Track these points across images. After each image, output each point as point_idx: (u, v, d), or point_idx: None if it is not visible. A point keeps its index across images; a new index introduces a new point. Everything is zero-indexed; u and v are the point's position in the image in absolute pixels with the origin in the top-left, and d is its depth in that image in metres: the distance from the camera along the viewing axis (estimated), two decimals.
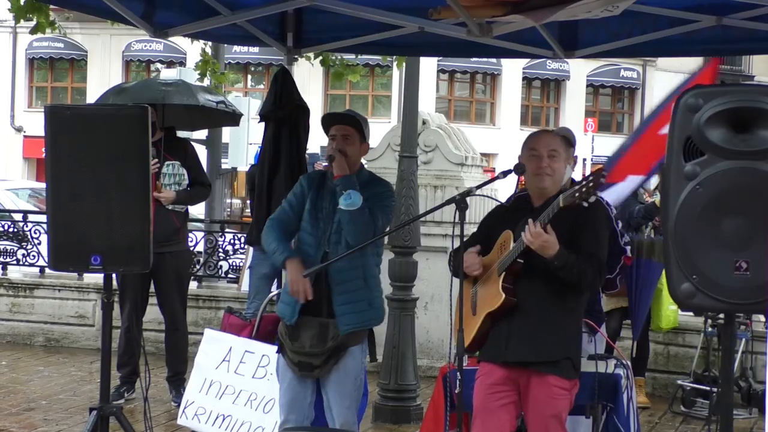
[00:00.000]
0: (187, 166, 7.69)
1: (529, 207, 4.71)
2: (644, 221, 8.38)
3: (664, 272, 7.96)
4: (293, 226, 5.12)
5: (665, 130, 7.48)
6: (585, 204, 4.30)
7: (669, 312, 8.23)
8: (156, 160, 7.07)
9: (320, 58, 9.67)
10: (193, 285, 10.07)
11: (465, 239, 4.57)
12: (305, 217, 5.08)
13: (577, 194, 4.27)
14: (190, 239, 10.04)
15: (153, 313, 8.20)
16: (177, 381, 7.75)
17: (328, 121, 5.15)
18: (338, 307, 4.97)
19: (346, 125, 5.10)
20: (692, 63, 36.37)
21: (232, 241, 10.28)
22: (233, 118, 8.86)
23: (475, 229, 4.98)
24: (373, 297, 5.11)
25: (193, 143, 8.36)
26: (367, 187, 5.05)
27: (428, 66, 29.93)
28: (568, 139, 5.81)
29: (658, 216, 8.25)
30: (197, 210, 12.72)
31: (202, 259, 10.32)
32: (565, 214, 4.40)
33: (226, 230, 10.59)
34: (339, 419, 5.09)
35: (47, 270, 10.04)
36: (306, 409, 5.16)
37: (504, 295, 4.52)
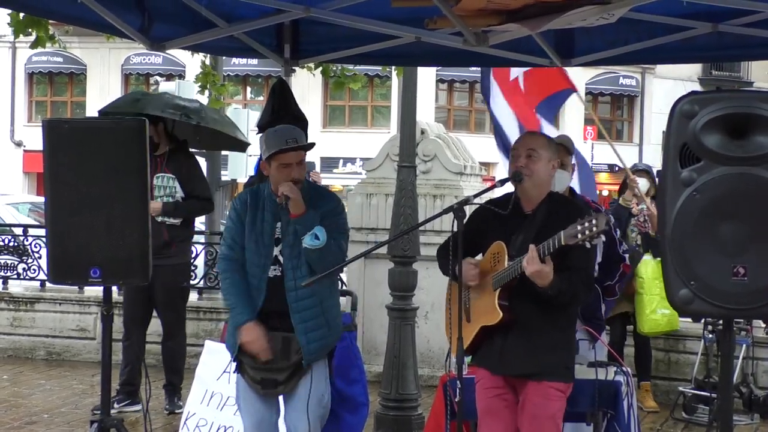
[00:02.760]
0: (181, 180, 7.68)
1: (521, 213, 4.70)
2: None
3: (642, 279, 8.05)
4: (244, 259, 4.98)
5: (514, 74, 8.15)
6: (588, 245, 4.27)
7: (656, 316, 8.19)
8: None
9: (321, 68, 9.68)
10: (193, 297, 10.08)
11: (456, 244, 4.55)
12: (247, 241, 4.95)
13: (579, 235, 4.23)
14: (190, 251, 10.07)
15: (153, 326, 8.21)
16: (172, 390, 7.89)
17: (283, 150, 4.87)
18: (303, 335, 4.87)
19: (301, 150, 4.92)
20: (690, 69, 36.33)
21: None
22: (240, 144, 8.88)
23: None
24: (331, 317, 5.02)
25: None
26: (317, 204, 4.92)
27: (427, 76, 30.00)
28: (566, 147, 5.82)
29: (633, 216, 8.23)
30: (198, 222, 12.70)
31: (202, 271, 10.32)
32: (558, 225, 4.39)
33: None
34: None
35: (48, 284, 10.04)
36: (273, 430, 5.09)
37: (501, 314, 4.54)
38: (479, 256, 4.81)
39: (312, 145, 5.01)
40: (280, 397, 5.05)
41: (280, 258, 4.93)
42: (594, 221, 4.21)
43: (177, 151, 7.80)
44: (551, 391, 4.57)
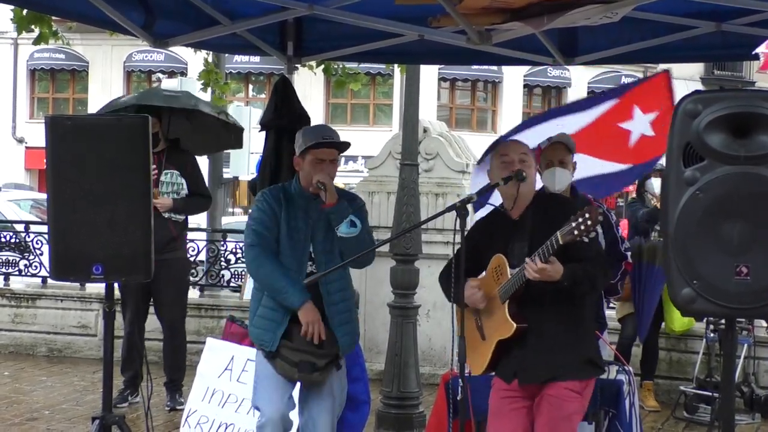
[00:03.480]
0: (186, 176, 7.74)
1: (509, 221, 4.69)
2: (649, 225, 8.35)
3: None
4: (277, 250, 4.97)
5: (626, 125, 7.02)
6: (585, 239, 4.28)
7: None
8: (154, 167, 7.14)
9: (322, 66, 9.66)
10: (195, 294, 10.09)
11: (460, 248, 4.53)
12: (283, 239, 4.96)
13: (575, 231, 4.24)
14: (192, 248, 10.10)
15: (155, 322, 8.21)
16: (173, 387, 7.89)
17: (320, 144, 4.94)
18: (337, 328, 4.94)
19: (336, 149, 4.97)
20: (692, 69, 36.23)
21: (234, 250, 10.28)
22: (236, 135, 8.87)
23: None
24: (355, 312, 5.15)
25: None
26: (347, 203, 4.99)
27: (429, 74, 29.95)
28: (566, 145, 5.83)
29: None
30: (200, 219, 12.76)
31: (204, 268, 10.32)
32: (549, 223, 4.41)
33: (228, 239, 10.59)
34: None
35: (49, 280, 10.04)
36: (289, 422, 5.09)
37: (515, 325, 4.53)
38: (483, 274, 4.80)
39: (347, 145, 5.03)
40: (294, 394, 5.07)
41: (313, 254, 4.99)
42: (588, 215, 4.22)
43: (174, 149, 7.83)
44: (564, 392, 4.54)
